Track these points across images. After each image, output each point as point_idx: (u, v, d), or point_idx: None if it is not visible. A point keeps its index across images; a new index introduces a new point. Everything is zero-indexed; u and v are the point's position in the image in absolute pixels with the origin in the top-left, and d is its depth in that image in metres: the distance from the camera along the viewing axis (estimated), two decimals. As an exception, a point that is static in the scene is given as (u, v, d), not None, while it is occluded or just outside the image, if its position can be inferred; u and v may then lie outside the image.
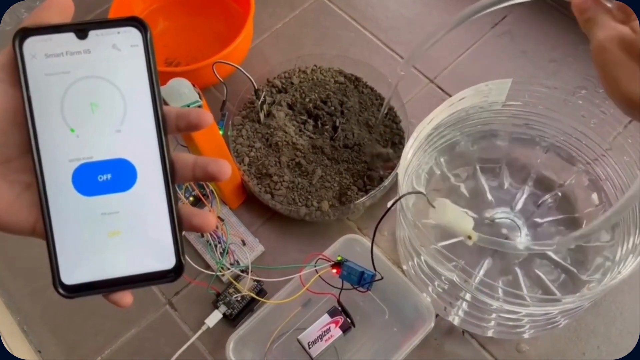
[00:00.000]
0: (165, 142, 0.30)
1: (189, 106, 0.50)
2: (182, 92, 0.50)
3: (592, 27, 0.38)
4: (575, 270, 0.59)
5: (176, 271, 0.30)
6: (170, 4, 0.83)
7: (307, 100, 0.73)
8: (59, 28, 0.29)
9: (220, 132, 0.68)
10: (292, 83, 0.74)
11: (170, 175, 0.30)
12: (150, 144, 0.30)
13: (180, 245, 0.30)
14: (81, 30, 0.29)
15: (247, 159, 0.69)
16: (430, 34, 0.55)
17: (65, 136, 0.29)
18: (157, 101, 0.30)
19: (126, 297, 0.31)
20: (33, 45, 0.28)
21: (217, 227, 0.65)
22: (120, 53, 0.29)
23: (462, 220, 0.48)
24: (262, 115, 0.71)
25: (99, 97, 0.29)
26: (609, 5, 0.38)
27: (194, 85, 0.52)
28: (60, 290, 0.29)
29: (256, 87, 0.68)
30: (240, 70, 0.66)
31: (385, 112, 0.67)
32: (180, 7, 0.83)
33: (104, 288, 0.30)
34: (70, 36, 0.29)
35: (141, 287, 0.30)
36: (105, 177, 0.29)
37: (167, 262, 0.30)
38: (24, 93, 0.28)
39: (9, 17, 0.83)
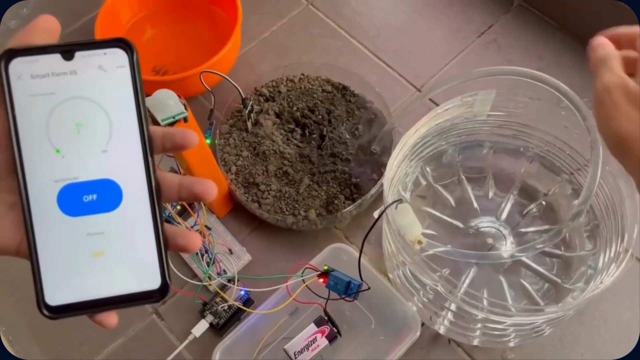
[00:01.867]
0: (152, 162, 0.30)
1: (174, 117, 0.50)
2: (167, 104, 0.50)
3: (601, 68, 0.39)
4: (559, 280, 0.60)
5: (161, 291, 0.30)
6: (157, 12, 0.83)
7: (295, 109, 0.73)
8: (45, 49, 0.29)
9: (208, 141, 0.68)
10: (279, 92, 0.74)
11: (156, 195, 0.30)
12: (136, 164, 0.30)
13: (165, 266, 0.30)
14: (67, 51, 0.29)
15: (234, 168, 0.69)
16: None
17: (50, 157, 0.29)
18: (144, 122, 0.30)
19: (111, 318, 0.30)
20: (19, 67, 0.29)
21: (204, 237, 0.65)
22: (107, 74, 0.29)
23: (411, 225, 0.50)
24: (249, 124, 0.71)
25: (85, 118, 0.29)
26: (624, 53, 0.39)
27: (179, 97, 0.52)
28: (45, 312, 0.29)
29: (243, 96, 0.68)
30: (227, 79, 0.66)
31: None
32: (167, 15, 0.83)
33: (88, 309, 0.30)
34: (57, 57, 0.29)
35: (126, 307, 0.30)
36: (91, 197, 0.30)
37: (152, 282, 0.30)
38: (10, 114, 0.29)
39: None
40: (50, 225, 0.29)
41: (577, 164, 0.62)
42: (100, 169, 0.29)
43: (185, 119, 0.52)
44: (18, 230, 0.30)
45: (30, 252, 0.29)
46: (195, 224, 0.65)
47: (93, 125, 0.29)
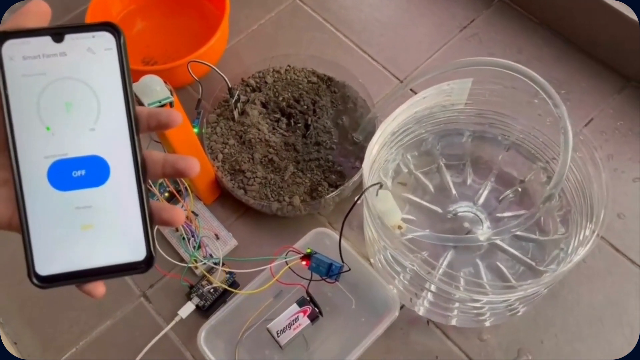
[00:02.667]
0: (137, 140, 0.32)
1: (160, 102, 0.52)
2: (153, 89, 0.52)
3: None
4: (533, 263, 0.62)
5: (147, 262, 0.32)
6: (147, 5, 0.84)
7: (281, 99, 0.75)
8: (37, 32, 0.30)
9: (195, 130, 0.70)
10: (266, 82, 0.76)
11: (142, 171, 0.32)
12: (122, 141, 0.31)
13: (150, 238, 0.32)
14: (57, 34, 0.30)
15: (221, 156, 0.71)
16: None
17: (41, 134, 0.30)
18: (130, 101, 0.31)
19: (99, 288, 0.32)
20: (11, 48, 0.30)
21: (190, 222, 0.67)
22: (95, 56, 0.31)
23: (391, 211, 0.52)
24: (236, 114, 0.73)
25: (74, 97, 0.31)
26: None
27: (165, 82, 0.54)
28: (35, 281, 0.31)
29: (230, 86, 0.70)
30: (214, 69, 0.68)
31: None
32: (157, 8, 0.84)
33: (77, 279, 0.31)
34: (47, 39, 0.30)
35: (113, 278, 0.32)
36: (80, 172, 0.31)
37: (138, 253, 0.32)
38: (2, 93, 0.30)
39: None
40: (41, 199, 0.31)
41: (552, 152, 0.64)
42: (88, 146, 0.31)
43: (171, 104, 0.54)
44: (10, 205, 0.31)
45: (21, 225, 0.31)
46: (182, 205, 0.67)
47: (82, 105, 0.31)
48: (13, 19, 0.31)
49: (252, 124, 0.72)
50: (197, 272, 0.65)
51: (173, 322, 0.63)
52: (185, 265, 0.65)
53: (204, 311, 0.63)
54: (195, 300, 0.63)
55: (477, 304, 0.55)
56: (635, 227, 0.67)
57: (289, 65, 0.78)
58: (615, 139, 0.73)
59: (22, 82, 0.30)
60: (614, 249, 0.66)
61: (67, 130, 0.31)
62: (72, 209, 0.31)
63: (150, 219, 0.32)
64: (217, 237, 0.68)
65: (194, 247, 0.65)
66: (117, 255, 0.31)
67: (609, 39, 0.76)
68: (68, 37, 0.30)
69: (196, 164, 0.33)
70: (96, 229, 0.31)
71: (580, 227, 0.58)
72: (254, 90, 0.76)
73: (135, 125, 0.31)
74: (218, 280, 0.63)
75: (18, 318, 0.66)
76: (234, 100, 0.71)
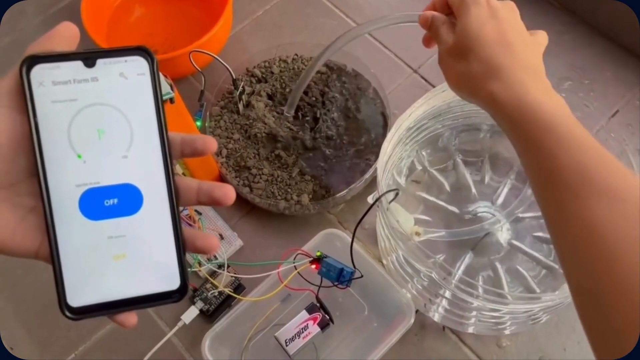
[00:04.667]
0: (171, 167, 0.31)
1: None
2: (152, 85, 0.48)
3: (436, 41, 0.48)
4: (555, 266, 0.59)
5: (181, 292, 0.31)
6: (146, -10, 0.80)
7: (288, 90, 0.71)
8: (67, 56, 0.29)
9: (198, 124, 0.66)
10: (272, 72, 0.72)
11: (176, 199, 0.31)
12: (156, 169, 0.31)
13: (184, 267, 0.31)
14: (89, 58, 0.29)
15: (225, 151, 0.67)
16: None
17: (72, 162, 0.30)
18: (163, 128, 0.31)
19: (131, 318, 0.31)
20: (40, 73, 0.29)
21: (193, 221, 0.64)
22: (127, 81, 0.30)
23: (404, 221, 0.51)
24: (241, 106, 0.69)
25: (106, 124, 0.30)
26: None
27: (165, 77, 0.50)
28: (67, 313, 0.30)
29: (234, 77, 0.66)
30: (217, 59, 0.64)
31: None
32: (157, -7, 0.80)
33: (109, 309, 0.31)
34: (78, 64, 0.29)
35: (146, 308, 0.31)
36: (112, 201, 0.30)
37: (172, 283, 0.31)
38: (31, 120, 0.29)
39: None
40: (72, 229, 0.30)
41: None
42: (121, 174, 0.30)
43: (171, 100, 0.50)
44: (37, 233, 0.30)
45: (51, 255, 0.30)
46: (184, 209, 0.64)
47: (114, 132, 0.30)
48: (41, 42, 0.30)
49: (258, 118, 0.68)
50: (201, 274, 0.62)
51: (176, 328, 0.60)
52: (189, 269, 0.62)
53: (208, 316, 0.60)
54: (199, 304, 0.61)
55: (497, 314, 0.52)
56: (663, 227, 0.63)
57: (296, 54, 0.74)
58: (642, 132, 0.69)
59: (52, 109, 0.29)
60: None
61: (99, 158, 0.30)
62: (104, 239, 0.30)
63: (183, 248, 0.31)
64: (222, 237, 0.65)
65: (197, 249, 0.62)
66: (150, 285, 0.31)
67: (633, 25, 0.72)
68: (100, 62, 0.30)
69: (233, 193, 0.32)
70: (129, 258, 0.31)
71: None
72: (259, 81, 0.72)
73: (169, 152, 0.31)
74: (222, 284, 0.60)
75: (14, 322, 0.63)
76: (238, 92, 0.68)
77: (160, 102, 0.31)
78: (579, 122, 0.59)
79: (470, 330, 0.57)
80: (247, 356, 0.58)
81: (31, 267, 0.63)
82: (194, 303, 0.61)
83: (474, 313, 0.54)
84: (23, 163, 0.30)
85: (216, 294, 0.61)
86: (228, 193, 0.32)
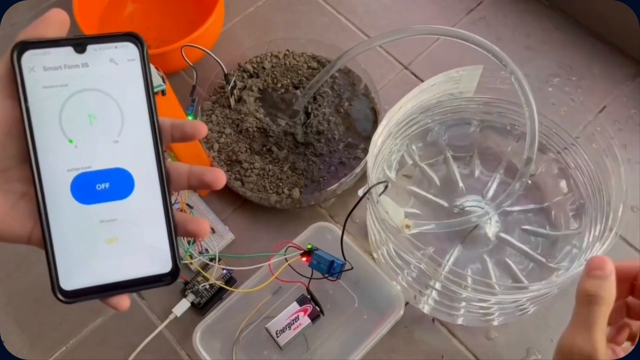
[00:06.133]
0: (162, 152, 0.31)
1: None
2: (144, 76, 0.48)
3: (582, 313, 0.31)
4: (543, 259, 0.59)
5: (172, 274, 0.32)
6: (139, -15, 0.80)
7: (279, 85, 0.71)
8: (58, 42, 0.30)
9: (189, 118, 0.66)
10: (263, 68, 0.73)
11: (167, 183, 0.31)
12: (146, 154, 0.31)
13: (176, 250, 0.32)
14: (80, 44, 0.30)
15: (216, 145, 0.67)
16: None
17: (63, 147, 0.30)
18: (154, 113, 0.31)
19: (124, 301, 0.31)
20: (31, 59, 0.29)
21: (185, 215, 0.64)
22: (118, 67, 0.30)
23: (394, 214, 0.51)
24: (232, 101, 0.69)
25: (97, 109, 0.30)
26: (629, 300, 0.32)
27: (157, 69, 0.51)
28: (59, 296, 0.30)
29: (226, 72, 0.66)
30: (209, 53, 0.65)
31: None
32: (149, -12, 0.80)
33: (102, 293, 0.31)
34: (69, 50, 0.30)
35: (139, 291, 0.33)
36: (104, 185, 0.31)
37: (164, 266, 0.31)
38: (23, 105, 0.29)
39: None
40: (64, 213, 0.30)
41: (564, 142, 0.61)
42: (112, 159, 0.31)
43: (163, 92, 0.50)
44: (29, 219, 0.30)
45: (44, 239, 0.30)
46: (176, 202, 0.64)
47: (105, 117, 0.30)
48: (32, 28, 0.30)
49: (250, 112, 0.69)
50: (192, 267, 0.63)
51: (167, 320, 0.60)
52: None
53: (200, 308, 0.61)
54: (191, 297, 0.61)
55: (485, 304, 0.52)
56: (650, 221, 0.64)
57: (287, 50, 0.74)
58: (629, 127, 0.70)
59: (43, 94, 0.29)
60: (627, 243, 0.63)
61: (90, 142, 0.30)
62: (96, 223, 0.31)
63: (175, 231, 0.32)
64: (213, 231, 0.65)
65: (188, 242, 0.63)
66: (143, 268, 0.31)
67: (622, 23, 0.73)
68: (90, 48, 0.30)
69: (223, 176, 0.32)
70: (121, 242, 0.31)
71: (595, 222, 0.55)
72: (251, 76, 0.72)
73: (159, 136, 0.31)
74: (214, 276, 0.61)
75: (5, 315, 0.63)
76: (230, 87, 0.68)
77: (150, 88, 0.31)
78: (566, 116, 0.60)
79: (460, 321, 0.58)
80: (239, 348, 0.58)
81: (22, 260, 0.63)
82: (185, 296, 0.61)
83: (463, 304, 0.54)
84: (13, 149, 0.30)
85: (207, 286, 0.61)
86: (218, 176, 0.32)
